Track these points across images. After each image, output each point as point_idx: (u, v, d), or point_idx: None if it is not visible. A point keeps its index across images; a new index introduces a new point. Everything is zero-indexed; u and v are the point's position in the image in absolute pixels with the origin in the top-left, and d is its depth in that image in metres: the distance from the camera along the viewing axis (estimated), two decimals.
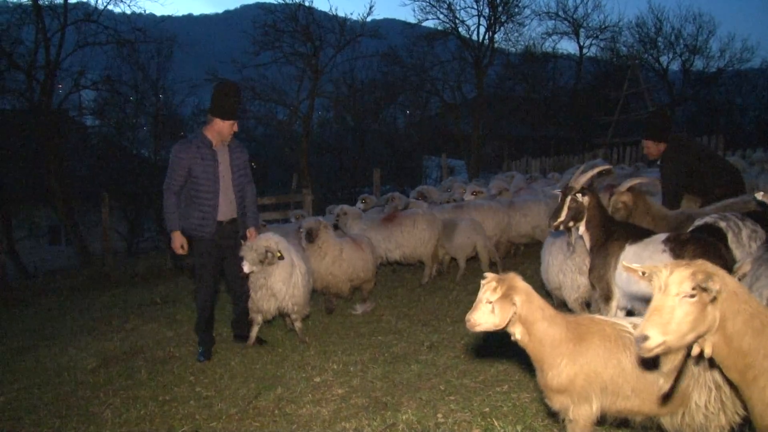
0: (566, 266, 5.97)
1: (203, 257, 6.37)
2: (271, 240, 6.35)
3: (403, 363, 5.81)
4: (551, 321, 3.14)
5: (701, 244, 4.31)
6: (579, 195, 5.02)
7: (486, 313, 3.08)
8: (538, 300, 3.18)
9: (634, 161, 16.25)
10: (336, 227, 9.14)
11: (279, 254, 6.32)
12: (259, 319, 6.70)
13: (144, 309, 9.66)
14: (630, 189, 5.70)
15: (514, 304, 3.07)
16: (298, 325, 6.90)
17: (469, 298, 8.17)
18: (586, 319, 3.27)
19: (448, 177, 18.65)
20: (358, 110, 30.24)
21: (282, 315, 6.96)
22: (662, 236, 4.56)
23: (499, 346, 6.00)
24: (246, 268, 6.15)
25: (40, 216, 25.79)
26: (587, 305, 5.92)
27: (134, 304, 10.20)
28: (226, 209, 6.36)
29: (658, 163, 6.85)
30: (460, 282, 9.29)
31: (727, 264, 4.12)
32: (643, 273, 2.48)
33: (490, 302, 3.07)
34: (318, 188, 21.06)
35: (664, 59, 32.27)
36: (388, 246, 9.39)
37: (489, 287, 3.10)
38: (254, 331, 6.78)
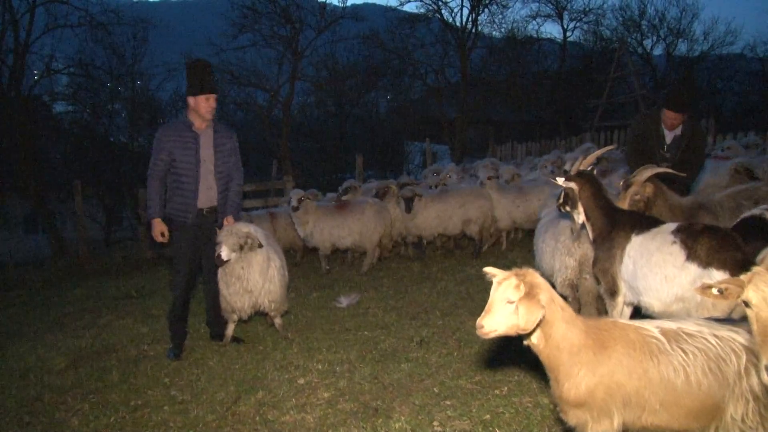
0: (557, 249, 5.80)
1: (181, 245, 6.02)
2: (250, 226, 5.99)
3: (393, 361, 5.46)
4: (571, 323, 2.78)
5: (716, 236, 3.98)
6: (567, 181, 4.76)
7: (507, 315, 2.69)
8: (558, 299, 2.81)
9: (623, 145, 15.98)
10: None
11: (258, 242, 5.94)
12: (234, 317, 6.32)
13: (118, 302, 9.21)
14: (649, 179, 5.33)
15: (541, 304, 2.68)
16: (278, 321, 6.52)
17: (458, 289, 7.87)
18: (608, 323, 2.89)
19: (432, 162, 18.31)
20: (339, 95, 29.69)
21: (259, 313, 6.54)
22: (672, 226, 4.23)
23: (493, 342, 5.69)
24: (224, 254, 5.74)
25: (13, 205, 25.04)
26: (576, 289, 5.77)
27: (109, 297, 9.75)
28: (206, 196, 6.00)
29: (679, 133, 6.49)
30: (447, 272, 9.04)
31: (746, 256, 3.80)
32: (720, 291, 2.18)
33: (512, 302, 2.68)
34: (299, 175, 20.55)
35: (647, 43, 32.16)
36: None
37: (509, 284, 2.69)
38: (230, 330, 6.43)
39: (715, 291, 2.49)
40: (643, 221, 4.51)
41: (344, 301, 7.79)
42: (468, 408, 4.31)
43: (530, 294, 2.67)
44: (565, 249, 5.73)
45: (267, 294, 6.15)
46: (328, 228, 9.59)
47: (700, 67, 32.50)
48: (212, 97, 5.85)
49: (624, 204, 5.20)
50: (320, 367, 5.47)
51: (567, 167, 9.21)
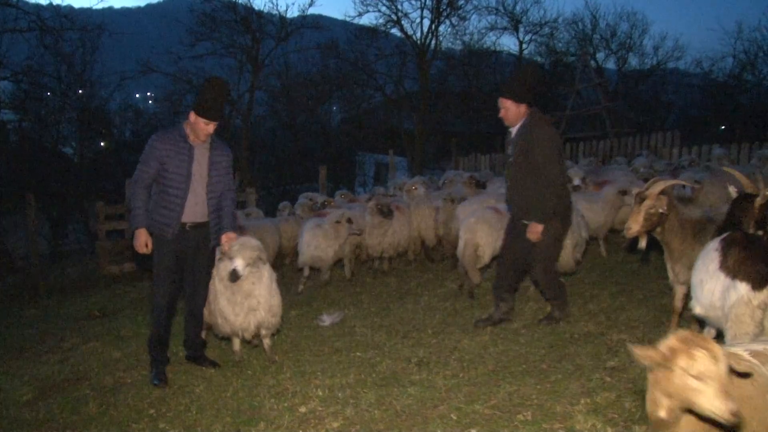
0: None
1: (162, 260, 5.61)
2: (257, 240, 5.63)
3: (396, 385, 5.13)
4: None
5: (748, 247, 3.95)
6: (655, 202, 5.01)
7: (716, 400, 2.29)
8: None
9: (587, 156, 16.08)
10: None
11: (266, 254, 5.62)
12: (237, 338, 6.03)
13: (81, 324, 8.62)
14: (662, 192, 5.15)
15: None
16: (267, 342, 6.10)
17: (443, 305, 7.63)
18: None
19: (392, 175, 18.09)
20: (294, 105, 29.25)
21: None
22: (726, 233, 4.30)
23: (497, 362, 5.45)
24: (240, 269, 5.35)
25: None
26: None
27: (69, 317, 9.13)
28: (193, 211, 5.59)
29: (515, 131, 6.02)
30: (427, 287, 8.84)
31: None
32: None
33: (719, 382, 2.31)
34: (259, 187, 20.07)
35: (600, 56, 32.64)
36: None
37: (706, 358, 2.32)
38: (237, 345, 6.18)
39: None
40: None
41: (327, 320, 7.44)
42: None
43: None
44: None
45: (271, 309, 5.79)
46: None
47: (650, 81, 33.22)
48: (213, 124, 5.49)
49: (639, 218, 5.05)
50: (320, 393, 5.09)
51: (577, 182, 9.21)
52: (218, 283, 5.72)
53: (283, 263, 10.95)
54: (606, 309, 6.72)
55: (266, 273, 5.72)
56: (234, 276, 5.37)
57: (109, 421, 4.99)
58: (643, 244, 5.32)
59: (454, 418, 4.39)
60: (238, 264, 5.35)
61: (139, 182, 5.47)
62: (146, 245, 5.48)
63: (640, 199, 5.11)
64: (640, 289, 7.37)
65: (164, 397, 5.35)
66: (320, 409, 4.80)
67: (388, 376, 5.39)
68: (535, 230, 5.92)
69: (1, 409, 5.54)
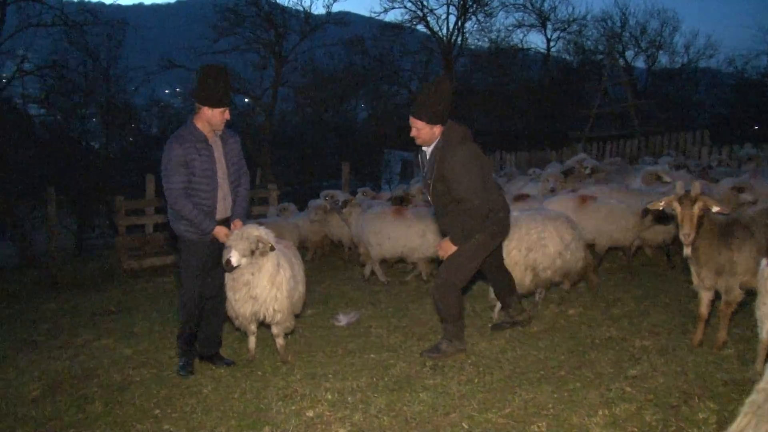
0: None
1: (191, 258, 5.55)
2: (261, 229, 5.48)
3: (409, 390, 4.95)
4: None
5: None
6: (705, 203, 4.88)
7: None
8: None
9: (614, 156, 15.74)
10: None
11: (270, 245, 5.44)
12: (252, 328, 5.88)
13: (97, 319, 8.56)
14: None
15: None
16: (279, 342, 5.95)
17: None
18: None
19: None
20: (319, 101, 29.16)
21: (263, 324, 5.99)
22: None
23: (514, 368, 5.25)
24: (234, 260, 5.22)
25: None
26: None
27: (85, 313, 9.07)
28: (222, 207, 5.53)
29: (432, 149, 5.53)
30: None
31: None
32: None
33: None
34: (281, 184, 19.99)
35: (629, 54, 32.12)
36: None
37: None
38: (251, 343, 6.03)
39: None
40: None
41: (343, 320, 7.27)
42: None
43: None
44: None
45: (273, 301, 5.63)
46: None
47: (679, 79, 32.61)
48: (228, 110, 5.38)
49: (694, 222, 4.83)
50: (329, 396, 4.94)
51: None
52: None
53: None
54: (629, 313, 6.49)
55: (269, 265, 5.55)
56: (228, 266, 5.28)
57: (113, 421, 4.88)
58: (689, 251, 5.06)
59: (466, 427, 4.21)
60: (233, 255, 5.23)
61: (178, 194, 5.27)
62: (226, 234, 5.40)
63: (690, 201, 4.86)
64: (665, 293, 7.12)
65: (171, 397, 5.23)
66: (328, 413, 4.64)
67: (401, 379, 5.22)
68: (445, 247, 5.49)
69: (8, 405, 5.46)
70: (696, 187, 4.90)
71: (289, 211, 12.03)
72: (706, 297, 5.24)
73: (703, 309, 5.28)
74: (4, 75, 21.23)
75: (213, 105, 5.27)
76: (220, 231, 5.41)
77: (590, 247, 7.94)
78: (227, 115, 5.39)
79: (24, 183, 22.67)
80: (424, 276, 9.04)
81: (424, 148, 5.61)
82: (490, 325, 6.50)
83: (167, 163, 5.27)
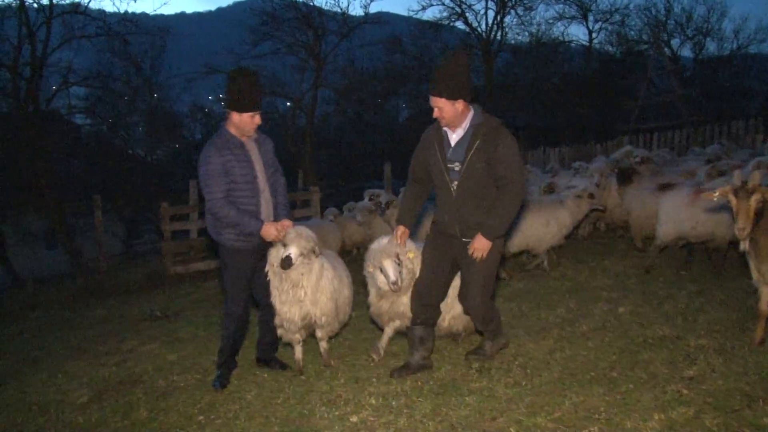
0: None
1: (239, 269, 5.44)
2: (311, 231, 5.40)
3: (455, 394, 4.82)
4: None
5: None
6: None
7: None
8: None
9: (662, 148, 15.30)
10: None
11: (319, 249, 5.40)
12: (297, 337, 5.72)
13: (142, 325, 8.65)
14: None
15: None
16: (323, 345, 5.88)
17: (508, 306, 7.23)
18: None
19: None
20: (360, 101, 29.14)
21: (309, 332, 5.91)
22: None
23: (563, 369, 5.07)
24: (294, 256, 5.09)
25: (31, 221, 24.67)
26: None
27: (132, 319, 9.19)
28: (266, 211, 5.41)
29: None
30: None
31: None
32: None
33: None
34: (324, 185, 20.01)
35: (674, 42, 31.30)
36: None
37: None
38: (298, 353, 5.83)
39: None
40: None
41: None
42: None
43: None
44: None
45: (318, 304, 5.52)
46: None
47: (729, 66, 31.63)
48: (258, 115, 5.27)
49: (751, 215, 4.58)
50: (373, 401, 4.84)
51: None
52: (269, 271, 5.52)
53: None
54: (683, 310, 6.22)
55: (317, 266, 5.45)
56: (286, 263, 5.10)
57: (158, 428, 4.88)
58: (746, 245, 4.82)
59: None
60: (293, 251, 5.11)
61: (221, 203, 5.15)
62: (277, 231, 5.26)
63: (747, 193, 4.60)
64: (720, 289, 6.81)
65: (214, 403, 5.21)
66: (372, 419, 4.54)
67: (447, 383, 5.09)
68: (483, 246, 4.97)
69: (57, 411, 5.53)
70: (755, 177, 4.63)
71: (340, 216, 11.97)
72: (766, 292, 4.97)
73: (764, 305, 5.00)
74: (52, 86, 21.74)
75: (240, 110, 5.16)
76: (269, 228, 5.23)
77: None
78: (258, 120, 5.27)
79: (73, 191, 23.25)
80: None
81: (445, 129, 5.10)
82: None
83: (206, 172, 5.15)
